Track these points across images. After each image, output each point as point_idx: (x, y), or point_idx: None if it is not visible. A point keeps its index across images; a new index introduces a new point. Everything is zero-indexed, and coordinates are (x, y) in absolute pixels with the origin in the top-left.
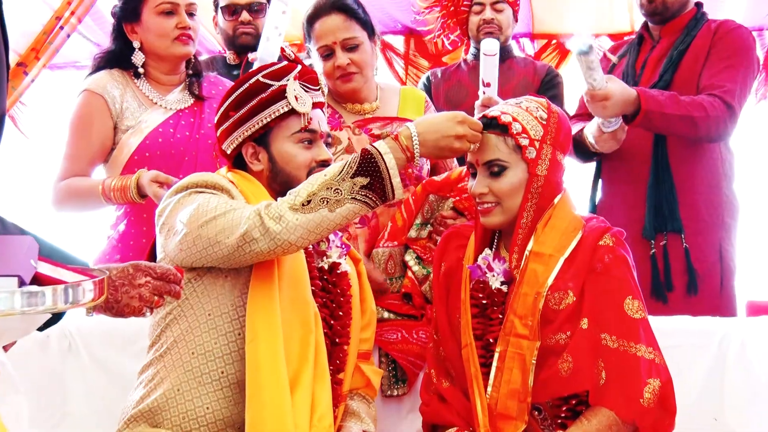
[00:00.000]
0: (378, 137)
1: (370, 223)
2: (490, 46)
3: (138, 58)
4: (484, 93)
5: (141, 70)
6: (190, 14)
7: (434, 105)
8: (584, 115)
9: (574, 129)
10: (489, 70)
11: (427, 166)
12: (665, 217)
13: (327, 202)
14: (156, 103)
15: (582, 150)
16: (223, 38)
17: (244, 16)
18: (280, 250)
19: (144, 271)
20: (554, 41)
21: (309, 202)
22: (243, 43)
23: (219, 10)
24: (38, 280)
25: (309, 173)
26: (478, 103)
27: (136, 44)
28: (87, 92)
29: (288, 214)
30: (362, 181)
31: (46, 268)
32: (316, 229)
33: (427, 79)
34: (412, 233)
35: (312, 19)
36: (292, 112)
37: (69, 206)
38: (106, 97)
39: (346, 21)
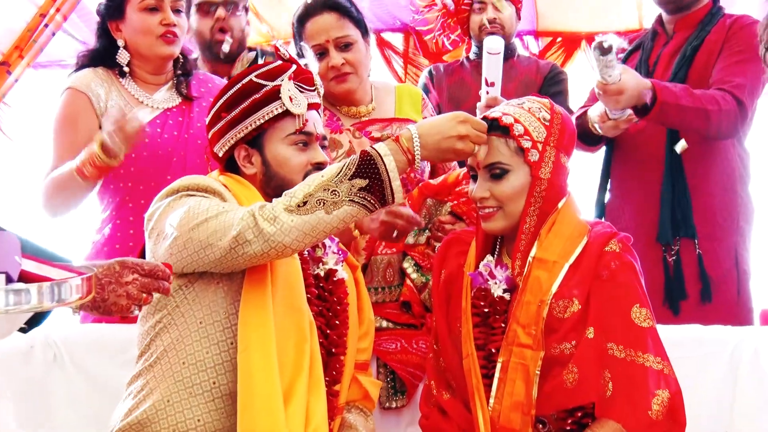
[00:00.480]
0: (378, 140)
1: None
2: (493, 44)
3: (123, 56)
4: (487, 93)
5: (126, 69)
6: (177, 11)
7: (438, 101)
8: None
9: (578, 112)
10: (492, 69)
11: (428, 169)
12: (678, 222)
13: (324, 203)
14: (142, 103)
15: (585, 134)
16: (198, 43)
17: (220, 12)
18: (274, 252)
19: (131, 268)
20: (559, 39)
21: (305, 203)
22: (219, 52)
23: (192, 12)
24: (23, 277)
25: (304, 177)
26: (480, 104)
27: (120, 42)
28: (71, 90)
29: (283, 215)
30: (361, 183)
31: (30, 266)
32: (312, 231)
33: (429, 72)
34: (410, 239)
35: (303, 18)
36: (287, 114)
37: (56, 201)
38: (90, 95)
39: (339, 20)
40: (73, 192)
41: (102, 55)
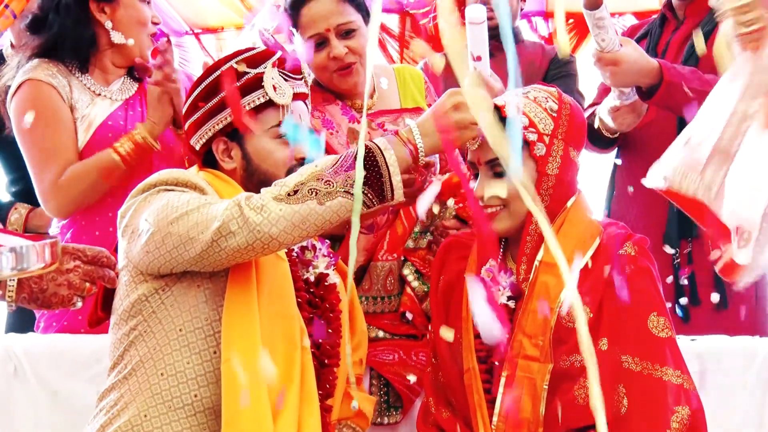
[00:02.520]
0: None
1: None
2: (475, 13)
3: (116, 36)
4: (474, 69)
5: (117, 41)
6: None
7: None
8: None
9: (588, 110)
10: (477, 40)
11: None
12: (690, 221)
13: (316, 193)
14: (100, 95)
15: (595, 136)
16: None
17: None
18: (259, 244)
19: (72, 254)
20: (571, 20)
21: (296, 192)
22: None
23: None
24: None
25: (289, 172)
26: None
27: (108, 24)
28: (33, 82)
29: (271, 204)
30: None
31: None
32: (302, 223)
33: (424, 67)
34: (410, 243)
35: (297, 3)
36: (270, 104)
37: (85, 194)
38: (54, 83)
39: (339, 4)
40: (112, 181)
41: (68, 45)
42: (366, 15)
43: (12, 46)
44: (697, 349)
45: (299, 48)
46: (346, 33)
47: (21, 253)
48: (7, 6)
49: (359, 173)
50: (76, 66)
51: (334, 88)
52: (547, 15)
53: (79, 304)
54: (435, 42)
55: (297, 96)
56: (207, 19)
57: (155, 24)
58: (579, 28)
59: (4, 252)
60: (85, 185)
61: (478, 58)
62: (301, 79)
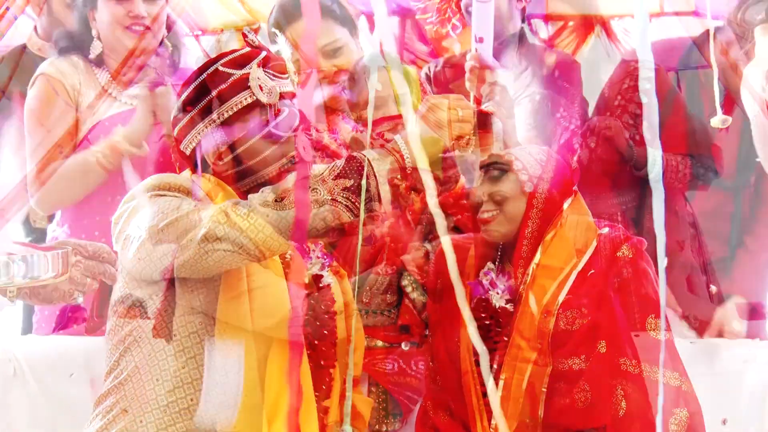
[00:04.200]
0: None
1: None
2: None
3: (95, 48)
4: (476, 50)
5: (92, 56)
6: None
7: None
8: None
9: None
10: (482, 21)
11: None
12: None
13: None
14: (112, 95)
15: None
16: None
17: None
18: (245, 252)
19: (73, 249)
20: (571, 23)
21: (283, 199)
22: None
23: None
24: None
25: (279, 171)
26: (467, 66)
27: (93, 32)
28: (44, 77)
29: (258, 210)
30: (345, 183)
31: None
32: (289, 230)
33: (425, 74)
34: (408, 255)
35: (280, 24)
36: (257, 104)
37: (66, 193)
38: (64, 81)
39: (322, 23)
40: (89, 182)
41: (78, 44)
42: (353, 27)
43: (36, 32)
44: (696, 352)
45: (283, 48)
46: (332, 51)
47: (31, 262)
48: (8, 8)
49: (363, 188)
50: (93, 63)
51: (326, 100)
52: (547, 18)
53: (80, 299)
54: (435, 45)
55: (283, 95)
56: (207, 21)
57: (135, 18)
58: (579, 30)
59: (16, 261)
60: (64, 184)
61: (481, 40)
62: (286, 78)
